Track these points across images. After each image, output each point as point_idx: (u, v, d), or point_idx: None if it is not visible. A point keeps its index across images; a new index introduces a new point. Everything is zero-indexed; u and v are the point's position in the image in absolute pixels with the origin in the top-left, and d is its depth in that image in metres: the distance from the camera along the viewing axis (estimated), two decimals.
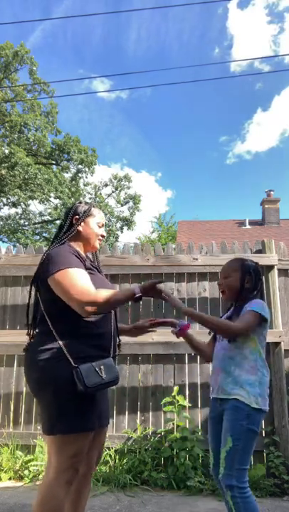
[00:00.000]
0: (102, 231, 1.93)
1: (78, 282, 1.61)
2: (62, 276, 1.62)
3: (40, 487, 1.62)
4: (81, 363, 1.58)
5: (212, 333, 2.06)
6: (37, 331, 1.77)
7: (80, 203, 1.94)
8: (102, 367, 1.61)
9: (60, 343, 1.62)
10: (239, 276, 1.94)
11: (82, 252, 1.85)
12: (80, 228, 1.86)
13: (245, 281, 1.94)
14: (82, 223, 1.86)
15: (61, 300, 1.64)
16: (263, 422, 3.25)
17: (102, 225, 1.94)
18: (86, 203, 1.93)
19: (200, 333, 2.50)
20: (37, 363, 1.63)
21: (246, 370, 1.82)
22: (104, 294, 1.62)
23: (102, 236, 1.93)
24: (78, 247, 1.85)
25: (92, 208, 1.91)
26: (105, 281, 1.87)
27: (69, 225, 1.87)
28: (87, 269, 1.74)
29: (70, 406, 1.58)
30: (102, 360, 1.63)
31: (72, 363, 1.58)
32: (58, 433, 1.57)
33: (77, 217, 1.87)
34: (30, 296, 1.84)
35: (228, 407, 1.80)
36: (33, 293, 1.83)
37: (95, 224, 1.90)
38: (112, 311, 1.79)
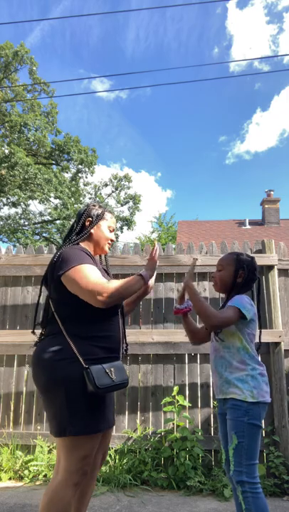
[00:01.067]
0: (112, 235, 1.95)
1: (91, 276, 1.64)
2: (75, 272, 1.65)
3: (47, 488, 1.61)
4: (91, 364, 1.59)
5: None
6: (46, 330, 1.77)
7: (94, 205, 1.95)
8: (112, 369, 1.63)
9: (71, 343, 1.63)
10: (232, 270, 1.95)
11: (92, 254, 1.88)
12: (92, 231, 1.88)
13: (238, 275, 1.95)
14: (94, 226, 1.89)
15: (72, 301, 1.66)
16: (263, 421, 3.24)
17: (113, 230, 1.96)
18: (100, 206, 1.95)
19: None
20: (47, 362, 1.64)
21: (235, 367, 1.85)
22: (115, 283, 1.66)
23: (112, 240, 1.95)
24: (88, 248, 1.88)
25: (106, 212, 1.94)
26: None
27: (81, 226, 1.89)
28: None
29: (82, 407, 1.58)
30: (112, 363, 1.67)
31: (83, 363, 1.59)
32: (70, 434, 1.57)
33: (90, 219, 1.89)
34: (40, 296, 1.87)
35: (228, 406, 1.84)
36: (43, 293, 1.86)
37: (106, 228, 1.92)
38: (120, 316, 1.81)
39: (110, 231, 1.94)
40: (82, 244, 1.87)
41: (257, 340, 1.97)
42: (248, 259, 1.98)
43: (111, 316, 1.75)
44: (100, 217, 1.90)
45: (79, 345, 1.63)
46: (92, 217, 1.90)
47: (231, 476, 1.78)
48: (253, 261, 1.99)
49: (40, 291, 1.85)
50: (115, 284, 1.64)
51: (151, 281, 1.91)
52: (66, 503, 1.55)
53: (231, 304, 1.86)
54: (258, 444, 1.79)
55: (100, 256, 2.02)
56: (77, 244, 1.84)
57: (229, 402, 1.83)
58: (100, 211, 1.92)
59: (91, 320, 1.68)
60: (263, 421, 1.84)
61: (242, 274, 1.94)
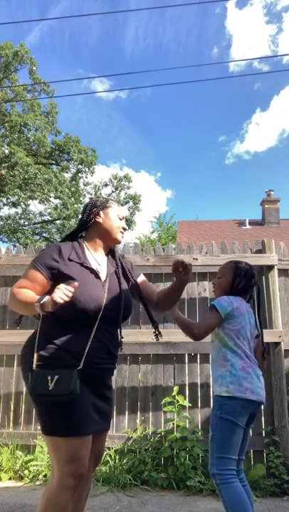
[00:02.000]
0: (124, 223, 1.87)
1: (21, 281, 1.69)
2: (24, 271, 1.73)
3: (44, 491, 1.60)
4: (45, 368, 1.54)
5: None
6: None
7: (98, 198, 1.91)
8: (55, 376, 1.49)
9: (35, 343, 1.62)
10: (230, 277, 2.05)
11: (93, 251, 1.81)
12: (99, 220, 1.81)
13: (236, 282, 2.04)
14: (102, 214, 1.82)
15: None
16: (263, 422, 3.25)
17: (123, 218, 1.89)
18: (104, 198, 1.90)
19: None
20: (23, 360, 1.70)
21: (219, 364, 1.94)
22: (17, 292, 1.65)
23: (124, 228, 1.87)
24: (95, 244, 1.82)
25: (110, 200, 1.88)
26: (95, 283, 1.70)
27: (87, 217, 1.83)
28: (60, 265, 1.68)
29: (52, 408, 1.54)
30: (61, 370, 1.53)
31: (33, 366, 1.56)
32: (46, 434, 1.58)
33: (95, 209, 1.83)
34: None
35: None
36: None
37: (115, 215, 1.84)
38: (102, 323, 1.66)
39: (120, 219, 1.85)
40: (88, 243, 1.81)
41: (256, 332, 2.06)
42: (246, 267, 2.08)
43: (86, 320, 1.64)
44: (104, 204, 1.83)
45: (43, 347, 1.60)
46: (97, 207, 1.83)
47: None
48: (250, 269, 2.08)
49: None
50: (15, 296, 1.64)
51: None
52: (62, 507, 1.51)
53: (212, 303, 1.98)
54: (232, 439, 1.81)
55: (109, 250, 1.90)
56: (81, 237, 1.83)
57: (214, 398, 1.93)
58: (104, 200, 1.86)
59: (61, 322, 1.62)
60: (241, 418, 1.83)
61: (239, 281, 2.04)
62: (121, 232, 1.85)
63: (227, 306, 1.95)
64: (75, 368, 1.55)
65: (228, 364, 1.90)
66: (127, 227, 1.89)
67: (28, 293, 1.63)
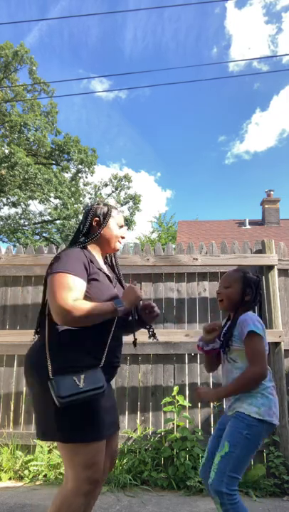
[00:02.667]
0: (122, 232, 1.89)
1: (69, 290, 1.55)
2: (56, 278, 1.58)
3: (56, 496, 1.56)
4: (61, 373, 1.50)
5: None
6: (39, 330, 1.73)
7: (99, 204, 1.89)
8: (82, 376, 1.50)
9: (47, 348, 1.57)
10: (240, 288, 1.92)
11: (97, 256, 1.82)
12: (100, 229, 1.82)
13: (246, 294, 1.92)
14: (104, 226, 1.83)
15: None
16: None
17: (122, 226, 1.90)
18: (104, 204, 1.89)
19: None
20: (36, 366, 1.59)
21: None
22: (82, 306, 1.54)
23: (122, 237, 1.88)
24: (95, 249, 1.83)
25: (112, 209, 1.87)
26: (110, 287, 1.76)
27: (88, 227, 1.83)
28: (91, 274, 1.68)
29: (70, 414, 1.51)
30: (86, 370, 1.53)
31: (50, 373, 1.50)
32: (59, 441, 1.53)
33: (97, 219, 1.83)
34: (44, 295, 1.77)
35: (234, 416, 1.79)
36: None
37: (114, 225, 1.85)
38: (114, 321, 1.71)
39: (120, 227, 1.88)
40: (91, 246, 1.81)
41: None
42: (255, 277, 1.97)
43: (106, 322, 1.66)
44: (107, 216, 1.84)
45: (60, 351, 1.57)
46: (99, 217, 1.83)
47: (210, 483, 1.72)
48: (259, 280, 1.98)
49: (44, 290, 1.79)
50: (84, 310, 1.53)
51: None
52: (74, 511, 1.50)
53: (248, 329, 1.78)
54: (247, 461, 1.74)
55: (108, 255, 1.94)
56: (85, 246, 1.78)
57: (235, 413, 1.78)
58: (105, 209, 1.85)
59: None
60: (261, 442, 1.77)
61: (250, 293, 1.92)
62: (119, 241, 1.88)
63: (262, 329, 1.81)
64: (97, 367, 1.58)
65: (261, 387, 1.78)
66: (125, 236, 1.91)
67: (92, 304, 1.59)
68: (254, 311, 1.99)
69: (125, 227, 1.94)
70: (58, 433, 1.52)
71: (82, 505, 1.51)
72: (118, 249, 1.91)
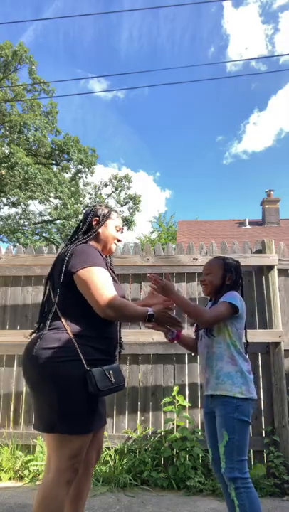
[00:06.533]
0: (119, 235, 1.97)
1: (105, 283, 1.66)
2: (89, 273, 1.66)
3: (40, 487, 1.61)
4: (90, 366, 1.60)
5: (194, 327, 2.19)
6: (43, 324, 1.74)
7: (100, 205, 1.97)
8: (110, 371, 1.65)
9: (74, 342, 1.62)
10: (221, 274, 2.05)
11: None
12: (99, 230, 1.90)
13: (227, 278, 2.04)
14: (102, 225, 1.91)
15: (79, 299, 1.67)
16: (263, 422, 3.25)
17: (120, 229, 1.98)
18: (106, 207, 1.98)
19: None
20: (44, 357, 1.60)
21: (226, 361, 1.91)
22: (124, 305, 1.67)
23: (118, 240, 1.96)
24: (96, 249, 1.88)
25: (112, 212, 1.96)
26: (116, 285, 1.84)
27: (88, 226, 1.91)
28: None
29: (75, 406, 1.58)
30: (111, 365, 1.68)
31: (86, 365, 1.59)
32: (58, 432, 1.57)
33: (97, 219, 1.91)
34: (45, 293, 1.85)
35: (218, 403, 1.88)
36: (45, 289, 1.87)
37: (113, 227, 1.94)
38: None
39: (117, 230, 1.96)
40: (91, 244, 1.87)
41: (244, 340, 2.02)
42: (234, 262, 2.11)
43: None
44: (106, 216, 1.92)
45: (81, 344, 1.63)
46: (98, 217, 1.92)
47: (223, 473, 1.82)
48: (238, 265, 2.11)
49: (45, 290, 1.84)
50: (124, 306, 1.66)
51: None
52: (59, 502, 1.55)
53: (223, 299, 1.93)
54: (247, 440, 1.84)
55: (106, 256, 2.00)
56: (86, 243, 1.84)
57: (219, 399, 1.87)
58: (106, 211, 1.94)
59: (94, 320, 1.68)
60: (250, 416, 1.88)
61: (230, 277, 2.05)
62: (115, 243, 1.96)
63: (241, 304, 1.95)
64: (112, 361, 1.73)
65: (238, 363, 1.89)
66: (121, 239, 2.00)
67: (132, 306, 1.74)
68: (253, 307, 2.11)
69: (122, 233, 2.01)
70: (55, 424, 1.58)
71: (65, 494, 1.59)
72: (113, 252, 1.99)
